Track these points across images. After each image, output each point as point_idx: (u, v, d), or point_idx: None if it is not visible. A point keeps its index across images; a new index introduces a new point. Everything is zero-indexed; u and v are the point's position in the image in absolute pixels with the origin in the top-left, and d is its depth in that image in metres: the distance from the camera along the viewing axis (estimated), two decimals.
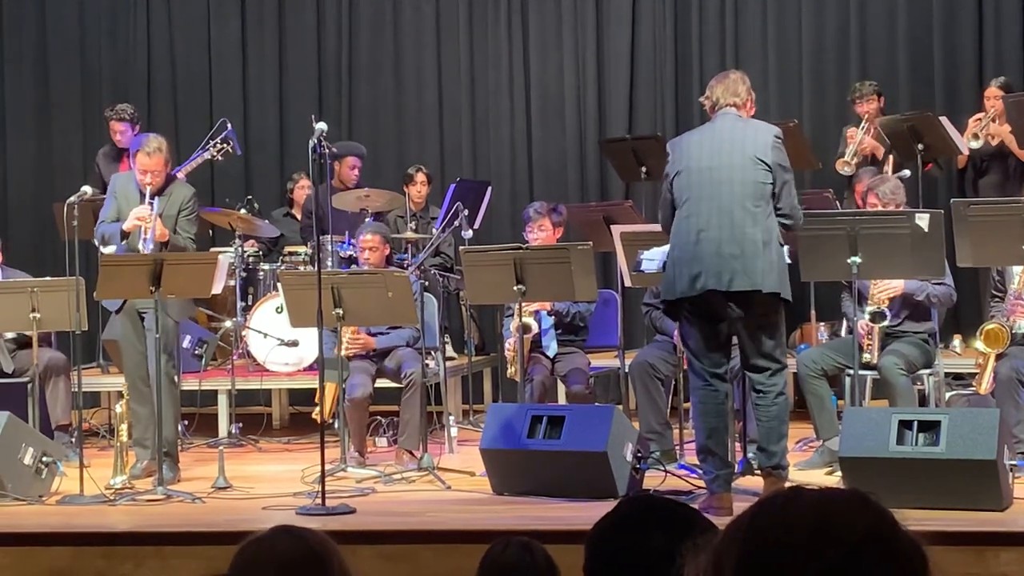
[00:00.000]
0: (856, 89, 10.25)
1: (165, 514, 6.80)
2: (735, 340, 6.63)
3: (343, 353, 8.13)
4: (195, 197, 7.97)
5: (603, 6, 11.69)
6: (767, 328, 6.43)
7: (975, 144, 9.73)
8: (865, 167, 9.82)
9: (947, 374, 8.68)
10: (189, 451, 8.69)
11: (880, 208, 7.64)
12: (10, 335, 8.84)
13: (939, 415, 6.54)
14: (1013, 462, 6.41)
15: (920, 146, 9.43)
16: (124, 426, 7.59)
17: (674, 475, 7.18)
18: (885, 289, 7.58)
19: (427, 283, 9.10)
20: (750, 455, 7.17)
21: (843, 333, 8.35)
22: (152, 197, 7.73)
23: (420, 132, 12.00)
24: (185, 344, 9.53)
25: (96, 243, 7.93)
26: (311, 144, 7.12)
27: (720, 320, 6.44)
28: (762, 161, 6.34)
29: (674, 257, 6.44)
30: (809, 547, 1.60)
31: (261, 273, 10.28)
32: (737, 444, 7.35)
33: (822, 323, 9.60)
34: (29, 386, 8.47)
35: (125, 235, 7.74)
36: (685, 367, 7.79)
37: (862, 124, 10.04)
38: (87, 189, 7.81)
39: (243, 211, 10.28)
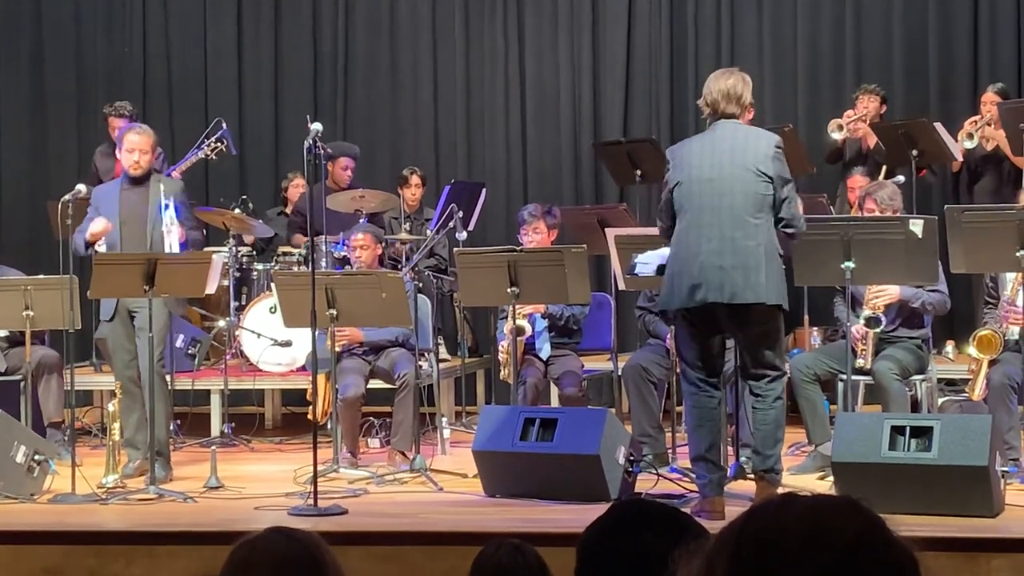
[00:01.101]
0: (863, 87, 10.29)
1: (157, 513, 6.80)
2: (729, 344, 6.64)
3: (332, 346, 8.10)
4: (184, 190, 8.02)
5: (599, 8, 11.70)
6: (767, 338, 6.43)
7: (968, 144, 9.74)
8: (859, 167, 9.83)
9: (940, 380, 8.69)
10: (181, 450, 8.68)
11: (878, 213, 7.65)
12: (3, 333, 8.83)
13: (931, 421, 6.54)
14: (1005, 468, 6.43)
15: (914, 152, 9.44)
16: (116, 425, 7.58)
17: (666, 478, 7.19)
18: (881, 295, 7.59)
19: (421, 284, 9.10)
20: (742, 459, 7.17)
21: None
22: (140, 183, 7.76)
23: (415, 133, 12.01)
24: (178, 343, 9.53)
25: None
26: (306, 144, 7.11)
27: (717, 330, 6.45)
28: (763, 173, 6.32)
29: (674, 268, 6.42)
30: (801, 553, 1.61)
31: (255, 273, 10.28)
32: (729, 448, 7.35)
33: (815, 328, 9.61)
34: (22, 384, 8.47)
35: (88, 245, 7.74)
36: (678, 371, 7.81)
37: (859, 115, 10.09)
38: (81, 187, 7.79)
39: (237, 211, 10.27)
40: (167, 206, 7.70)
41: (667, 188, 6.52)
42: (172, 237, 7.66)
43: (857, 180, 9.41)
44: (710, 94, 6.48)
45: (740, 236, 6.27)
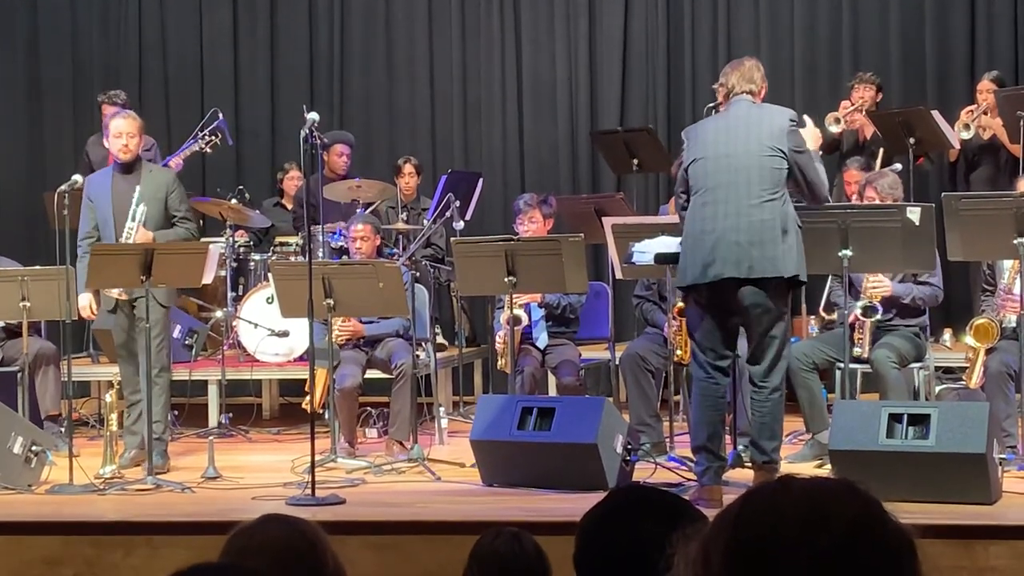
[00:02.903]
0: (858, 76, 10.29)
1: (154, 503, 6.80)
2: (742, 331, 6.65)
3: (333, 339, 8.10)
4: (177, 179, 8.00)
5: None
6: (775, 319, 6.44)
7: (965, 134, 9.73)
8: (853, 157, 9.83)
9: (937, 368, 8.69)
10: (179, 441, 8.68)
11: (878, 202, 7.64)
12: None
13: (929, 408, 6.54)
14: (1002, 456, 6.43)
15: (912, 140, 9.43)
16: (114, 416, 7.58)
17: (664, 467, 7.19)
18: (878, 287, 7.58)
19: (418, 274, 9.09)
20: (740, 447, 7.18)
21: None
22: (129, 171, 7.74)
23: (412, 123, 11.99)
24: (175, 334, 9.52)
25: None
26: (302, 134, 7.10)
27: (730, 311, 6.45)
28: (777, 148, 6.36)
29: (688, 244, 6.45)
30: (799, 537, 1.60)
31: (252, 263, 10.27)
32: (727, 437, 7.35)
33: (812, 316, 9.61)
34: (19, 375, 8.45)
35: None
36: (676, 360, 7.80)
37: (856, 106, 10.10)
38: (78, 178, 7.79)
39: (234, 201, 10.26)
40: (137, 212, 7.66)
41: (682, 167, 6.57)
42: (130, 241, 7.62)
43: (853, 174, 9.39)
44: (726, 77, 6.63)
45: (756, 212, 6.31)
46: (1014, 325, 7.31)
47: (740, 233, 6.30)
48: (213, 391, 9.35)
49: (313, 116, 7.17)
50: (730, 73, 6.64)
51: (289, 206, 11.07)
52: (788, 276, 6.36)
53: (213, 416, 9.27)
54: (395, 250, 9.71)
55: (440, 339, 9.98)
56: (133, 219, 7.68)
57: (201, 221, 10.81)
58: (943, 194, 7.51)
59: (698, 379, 6.56)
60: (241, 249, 10.28)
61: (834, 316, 8.26)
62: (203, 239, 9.75)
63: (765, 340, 6.47)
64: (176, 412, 9.04)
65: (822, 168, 6.64)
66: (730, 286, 6.36)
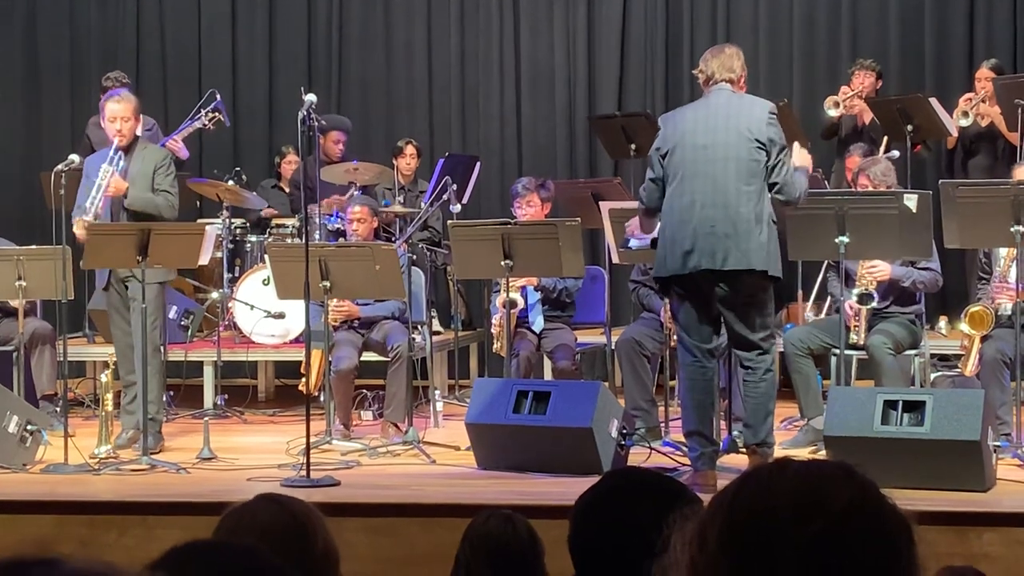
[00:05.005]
0: (858, 63, 10.28)
1: (149, 484, 6.80)
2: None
3: (328, 320, 8.10)
4: (170, 157, 7.94)
5: None
6: (756, 306, 6.44)
7: (964, 122, 9.72)
8: (856, 144, 9.82)
9: (933, 355, 8.69)
10: (174, 422, 8.68)
11: (871, 189, 7.64)
12: None
13: (924, 395, 6.55)
14: (997, 443, 6.43)
15: (909, 127, 9.43)
16: (109, 396, 7.57)
17: (659, 452, 7.20)
18: (873, 271, 7.58)
19: (414, 257, 9.08)
20: (735, 433, 7.18)
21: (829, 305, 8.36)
22: (116, 152, 7.69)
23: (410, 106, 11.97)
24: (171, 315, 9.51)
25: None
26: (300, 116, 7.09)
27: (710, 300, 6.45)
28: (756, 139, 6.33)
29: (666, 235, 6.43)
30: (793, 520, 1.60)
31: (248, 245, 10.26)
32: (722, 422, 7.36)
33: (809, 302, 9.60)
34: (14, 355, 8.45)
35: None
36: (673, 345, 7.80)
37: (855, 91, 10.09)
38: (74, 158, 7.77)
39: (231, 183, 10.25)
40: (115, 158, 7.63)
41: (656, 153, 6.51)
42: (99, 193, 7.58)
43: (855, 161, 9.38)
44: (706, 64, 6.57)
45: (733, 203, 6.28)
46: (1009, 313, 7.32)
47: (717, 224, 6.28)
48: (209, 372, 9.34)
49: (311, 98, 7.16)
50: (710, 60, 6.57)
51: (287, 189, 11.07)
52: (759, 270, 6.32)
53: (208, 397, 9.27)
54: (386, 210, 9.61)
55: (436, 323, 9.98)
56: (110, 163, 7.64)
57: (198, 202, 10.81)
58: (940, 181, 7.51)
59: (685, 364, 6.56)
60: (237, 230, 10.26)
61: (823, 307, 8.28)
62: (200, 220, 9.76)
63: (751, 327, 6.46)
64: (171, 393, 9.04)
65: (804, 182, 6.57)
66: (708, 277, 6.35)
